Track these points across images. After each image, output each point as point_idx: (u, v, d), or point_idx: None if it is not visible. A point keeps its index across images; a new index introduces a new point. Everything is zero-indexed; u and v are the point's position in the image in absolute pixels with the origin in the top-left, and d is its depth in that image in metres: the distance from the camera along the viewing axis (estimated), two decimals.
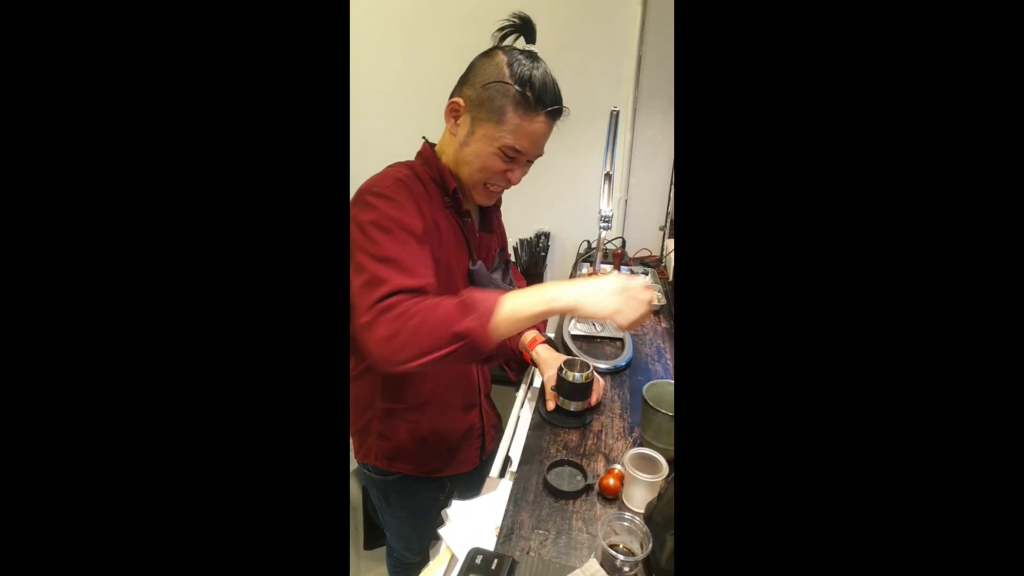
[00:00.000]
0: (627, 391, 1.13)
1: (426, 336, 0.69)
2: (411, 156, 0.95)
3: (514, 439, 1.11)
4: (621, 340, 1.31)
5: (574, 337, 1.30)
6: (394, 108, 1.94)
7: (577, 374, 0.97)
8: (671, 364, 1.24)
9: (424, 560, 1.25)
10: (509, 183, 0.90)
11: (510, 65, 0.81)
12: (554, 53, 1.81)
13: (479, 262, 0.95)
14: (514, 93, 0.80)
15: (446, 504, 0.87)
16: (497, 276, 1.01)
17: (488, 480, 0.96)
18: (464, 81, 0.86)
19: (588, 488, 0.84)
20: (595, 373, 1.02)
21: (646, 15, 1.63)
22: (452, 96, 0.87)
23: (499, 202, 1.02)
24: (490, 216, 1.03)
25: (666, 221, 1.82)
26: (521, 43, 0.90)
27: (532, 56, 0.85)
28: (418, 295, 0.74)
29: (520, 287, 1.17)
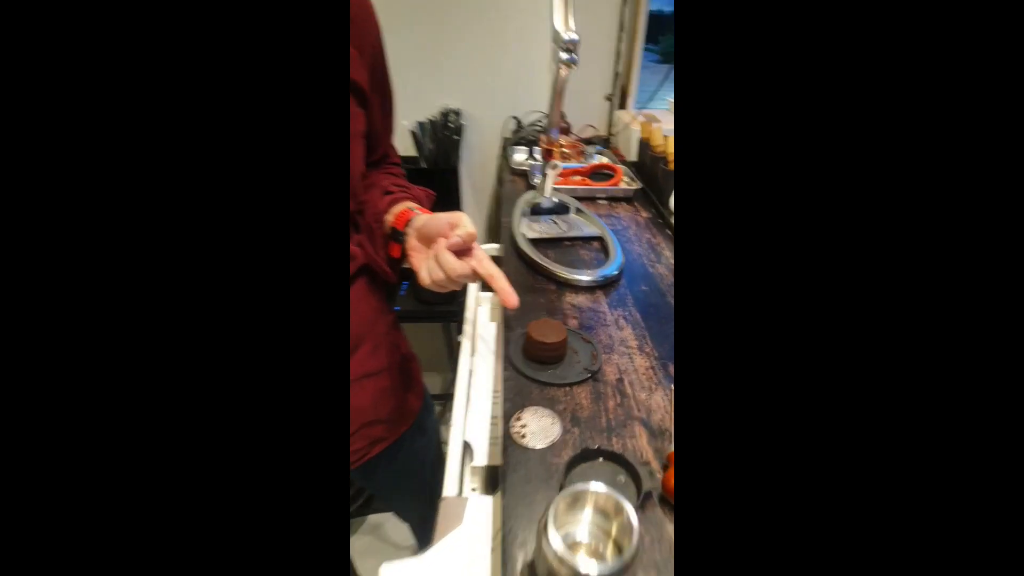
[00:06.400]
0: (634, 308, 0.72)
1: None
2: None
3: (469, 412, 0.67)
4: (600, 239, 0.89)
5: (533, 242, 0.85)
6: None
7: None
8: (672, 263, 0.85)
9: None
10: None
11: None
12: None
13: None
14: None
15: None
16: None
17: (444, 503, 0.51)
18: None
19: (647, 497, 0.44)
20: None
21: None
22: None
23: None
24: None
25: (614, 87, 1.39)
26: None
27: None
28: None
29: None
